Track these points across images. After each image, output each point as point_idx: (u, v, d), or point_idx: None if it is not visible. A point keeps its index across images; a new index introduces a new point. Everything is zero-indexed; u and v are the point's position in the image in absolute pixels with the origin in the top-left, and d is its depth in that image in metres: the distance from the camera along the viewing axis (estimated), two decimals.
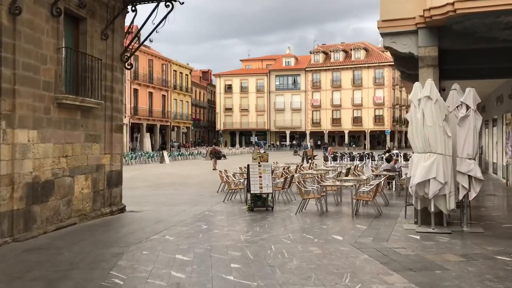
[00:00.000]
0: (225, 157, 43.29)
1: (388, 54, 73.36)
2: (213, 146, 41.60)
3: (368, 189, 12.15)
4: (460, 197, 9.80)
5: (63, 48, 10.11)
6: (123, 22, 12.96)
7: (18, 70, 8.68)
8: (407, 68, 13.40)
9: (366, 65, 71.08)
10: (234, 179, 15.87)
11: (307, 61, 76.33)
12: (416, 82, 10.16)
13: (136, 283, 6.15)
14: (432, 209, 9.65)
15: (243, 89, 77.78)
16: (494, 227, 10.02)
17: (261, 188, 12.82)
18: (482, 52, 11.42)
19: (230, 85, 78.48)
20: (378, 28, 10.78)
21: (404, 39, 10.59)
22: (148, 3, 11.89)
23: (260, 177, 12.89)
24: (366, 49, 73.47)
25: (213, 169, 28.70)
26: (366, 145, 69.43)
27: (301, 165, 22.16)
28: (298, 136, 75.25)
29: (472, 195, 9.73)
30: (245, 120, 77.33)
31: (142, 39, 13.65)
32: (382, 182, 13.24)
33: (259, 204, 12.83)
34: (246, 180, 14.54)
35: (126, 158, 37.28)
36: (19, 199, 8.71)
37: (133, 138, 53.74)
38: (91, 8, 11.22)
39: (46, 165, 9.57)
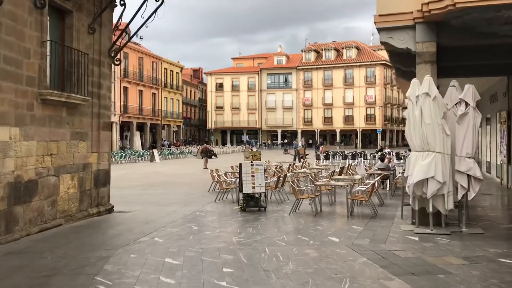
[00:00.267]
0: (216, 156, 42.90)
1: (380, 53, 73.44)
2: (205, 144, 41.14)
3: (364, 188, 11.85)
4: (459, 197, 9.53)
5: (48, 42, 9.67)
6: (111, 16, 12.54)
7: None
8: (403, 64, 13.12)
9: (358, 64, 70.99)
10: (226, 178, 15.51)
11: (298, 59, 76.08)
12: (414, 79, 9.87)
13: None
14: (431, 210, 9.37)
15: (234, 88, 77.34)
16: (493, 228, 9.76)
17: (253, 187, 12.48)
18: (480, 48, 11.19)
19: (221, 83, 78.01)
20: (375, 22, 10.47)
21: (401, 34, 10.29)
22: None
23: (253, 176, 12.54)
24: (357, 48, 73.37)
25: (204, 168, 28.33)
26: (358, 144, 69.34)
27: (294, 164, 21.84)
28: (289, 135, 75.02)
29: (471, 195, 9.47)
30: (236, 118, 76.94)
31: (131, 34, 13.20)
32: (378, 182, 12.94)
33: (252, 204, 12.49)
34: (238, 179, 14.21)
35: (116, 157, 36.77)
36: (0, 200, 8.27)
37: (123, 136, 53.07)
38: (77, 0, 10.79)
39: (29, 164, 9.13)
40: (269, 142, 74.35)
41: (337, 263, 6.85)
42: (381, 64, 70.19)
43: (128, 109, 52.26)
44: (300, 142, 62.73)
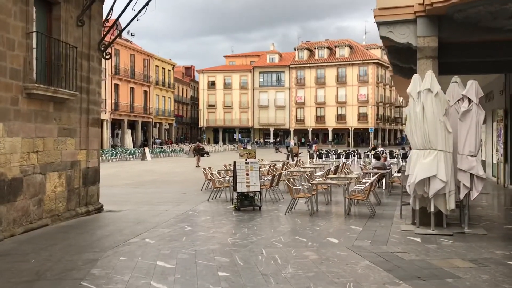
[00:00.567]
0: (208, 154, 42.48)
1: (372, 51, 73.43)
2: (197, 142, 40.68)
3: (362, 187, 11.52)
4: (461, 197, 9.22)
5: (34, 33, 9.21)
6: (101, 8, 12.08)
7: None
8: (402, 60, 12.80)
9: (351, 62, 70.82)
10: (219, 176, 15.12)
11: (291, 58, 75.75)
12: (415, 75, 9.55)
13: None
14: (432, 210, 9.06)
15: (227, 86, 76.86)
16: (496, 228, 9.48)
17: (248, 186, 12.12)
18: (482, 44, 10.90)
19: (214, 81, 77.49)
20: (375, 16, 10.14)
21: (402, 28, 9.97)
22: None
23: (247, 175, 12.18)
24: (350, 47, 73.21)
25: (196, 167, 27.91)
26: (350, 143, 69.19)
27: (288, 162, 21.50)
28: (282, 134, 74.72)
29: (474, 194, 9.15)
30: (228, 117, 76.48)
31: (122, 28, 12.75)
32: (376, 181, 12.62)
33: (246, 203, 12.12)
34: (231, 178, 13.83)
35: (106, 155, 36.25)
36: None
37: (114, 134, 52.44)
38: None
39: (14, 161, 8.68)
40: (262, 140, 73.97)
41: (338, 267, 6.50)
42: (373, 63, 70.10)
43: (119, 106, 51.64)
44: (292, 140, 62.42)
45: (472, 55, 11.60)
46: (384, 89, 74.38)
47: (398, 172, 17.78)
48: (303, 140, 70.23)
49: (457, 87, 9.55)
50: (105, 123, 48.61)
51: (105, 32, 12.19)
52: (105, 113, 48.26)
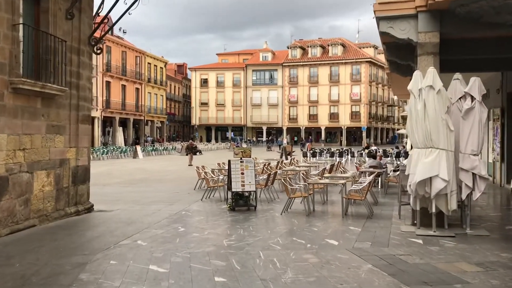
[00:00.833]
0: (201, 152, 42.09)
1: (365, 50, 73.35)
2: (190, 141, 40.25)
3: (360, 187, 11.25)
4: (463, 197, 8.98)
5: (20, 25, 8.82)
6: (91, 1, 11.69)
7: None
8: (400, 57, 12.55)
9: (344, 61, 70.68)
10: (213, 175, 14.78)
11: (284, 56, 75.47)
12: (416, 71, 9.29)
13: None
14: (433, 210, 8.81)
15: (219, 84, 76.41)
16: (498, 229, 9.25)
17: (243, 185, 11.79)
18: (484, 41, 10.65)
19: (206, 79, 77.00)
20: (374, 11, 9.85)
21: (403, 23, 9.68)
22: None
23: (242, 173, 11.85)
24: (343, 45, 73.09)
25: (189, 165, 27.55)
26: (343, 142, 69.08)
27: (282, 161, 21.19)
28: (275, 132, 74.44)
29: (476, 194, 8.92)
30: (221, 115, 76.06)
31: (113, 22, 12.35)
32: (373, 180, 12.35)
33: (241, 203, 11.81)
34: (225, 176, 13.51)
35: (97, 153, 35.76)
36: None
37: (105, 132, 51.84)
38: None
39: None
40: (254, 139, 73.64)
41: (340, 271, 6.20)
42: (366, 61, 70.04)
43: (111, 104, 51.06)
44: (285, 139, 62.17)
45: (472, 52, 11.35)
46: (377, 88, 74.38)
47: (394, 171, 17.58)
48: (296, 138, 69.98)
49: (459, 84, 9.29)
50: (96, 120, 48.05)
51: (95, 26, 11.80)
52: (96, 110, 47.70)
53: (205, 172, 14.96)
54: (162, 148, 46.57)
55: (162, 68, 65.63)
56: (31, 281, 5.75)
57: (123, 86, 54.40)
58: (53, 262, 6.61)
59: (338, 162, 20.77)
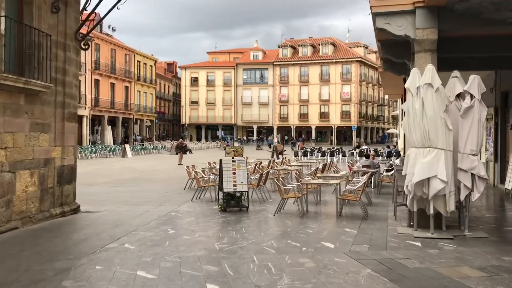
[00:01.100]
0: (191, 151, 41.70)
1: (356, 50, 73.33)
2: (180, 140, 39.82)
3: (354, 187, 10.98)
4: (462, 198, 8.74)
5: (2, 18, 8.40)
6: None
7: None
8: (395, 55, 12.30)
9: (334, 60, 70.58)
10: (203, 175, 14.43)
11: (275, 55, 75.19)
12: (414, 68, 9.04)
13: None
14: (431, 211, 8.56)
15: (210, 82, 75.91)
16: (497, 231, 9.05)
17: (235, 186, 11.47)
18: (482, 38, 10.46)
19: (196, 78, 76.43)
20: (371, 7, 9.58)
21: (400, 20, 9.41)
22: None
23: (234, 173, 11.53)
24: (334, 45, 73.02)
25: (179, 164, 27.16)
26: (333, 141, 68.99)
27: (273, 160, 20.91)
28: (265, 131, 74.14)
29: (475, 195, 8.68)
30: (211, 114, 75.56)
31: (101, 16, 11.94)
32: (367, 180, 12.10)
33: (233, 203, 11.49)
34: (217, 176, 13.19)
35: (86, 152, 35.21)
36: None
37: (94, 130, 51.15)
38: None
39: None
40: (245, 138, 73.27)
41: (339, 276, 5.91)
42: (357, 61, 70.02)
43: (100, 102, 50.38)
44: (275, 138, 61.90)
45: (469, 50, 11.18)
46: (367, 88, 74.43)
47: (387, 171, 17.37)
48: (286, 137, 69.72)
49: (457, 82, 9.05)
50: (84, 119, 47.40)
51: (82, 21, 11.40)
52: (85, 109, 47.06)
53: (196, 172, 14.62)
54: (152, 147, 46.05)
55: (152, 66, 64.99)
56: None
57: (112, 84, 53.74)
58: (35, 268, 6.24)
59: (330, 161, 20.52)
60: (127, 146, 39.06)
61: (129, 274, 5.98)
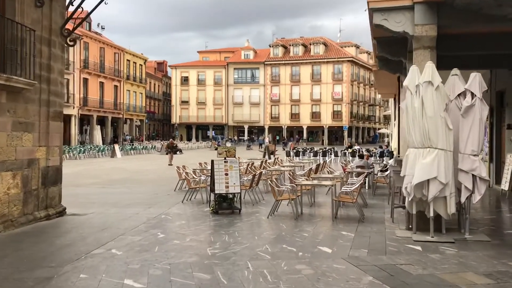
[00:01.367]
0: (181, 151, 41.22)
1: (347, 49, 73.24)
2: (170, 139, 39.31)
3: (351, 189, 10.66)
4: (463, 200, 8.47)
5: None
6: None
7: None
8: (391, 53, 12.04)
9: (325, 60, 70.44)
10: (194, 176, 14.04)
11: (266, 54, 74.86)
12: (413, 65, 8.75)
13: None
14: (431, 214, 8.27)
15: (200, 82, 75.36)
16: (497, 234, 8.79)
17: (227, 187, 11.11)
18: (482, 36, 10.21)
19: (187, 77, 75.82)
20: (368, 2, 9.25)
21: (398, 15, 9.11)
22: None
23: (226, 174, 11.17)
24: (325, 44, 72.87)
25: (169, 165, 26.72)
26: (325, 141, 68.83)
27: (266, 160, 20.56)
28: (256, 131, 73.76)
29: (477, 197, 8.41)
30: (202, 113, 75.01)
31: (90, 13, 11.50)
32: (363, 181, 11.80)
33: (225, 205, 11.12)
34: (208, 177, 12.81)
35: (74, 152, 34.61)
36: None
37: (83, 130, 50.42)
38: None
39: None
40: (236, 138, 72.83)
41: (339, 284, 5.58)
42: (348, 60, 69.92)
43: (88, 101, 49.67)
44: (267, 138, 61.58)
45: (467, 48, 10.93)
46: (358, 87, 74.41)
47: (381, 171, 17.12)
48: (277, 137, 69.44)
49: (458, 80, 8.78)
50: (73, 118, 46.71)
51: (68, 16, 10.96)
52: (73, 108, 46.37)
53: (186, 173, 14.22)
54: (141, 147, 45.48)
55: (141, 65, 64.32)
56: None
57: (101, 83, 53.04)
58: (15, 276, 5.83)
59: (324, 161, 20.22)
60: (117, 146, 38.49)
61: (116, 283, 5.59)
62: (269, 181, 11.27)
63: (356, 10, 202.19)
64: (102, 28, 56.37)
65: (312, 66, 71.13)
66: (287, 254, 7.06)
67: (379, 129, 77.41)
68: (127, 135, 58.64)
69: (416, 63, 8.97)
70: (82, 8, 10.75)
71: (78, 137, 48.00)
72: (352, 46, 75.35)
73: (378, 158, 28.23)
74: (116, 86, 56.22)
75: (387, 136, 57.63)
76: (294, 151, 33.94)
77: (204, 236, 8.56)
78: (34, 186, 9.83)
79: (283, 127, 71.93)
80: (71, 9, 11.02)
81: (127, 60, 59.49)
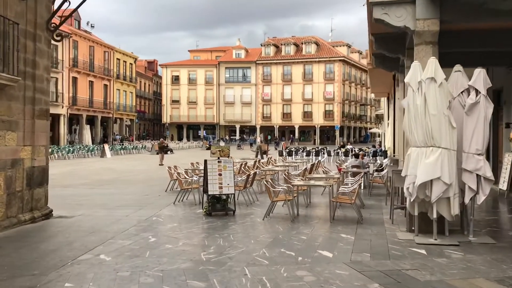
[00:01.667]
0: (172, 151, 40.75)
1: (338, 49, 73.09)
2: (161, 139, 38.78)
3: (349, 189, 10.32)
4: (466, 201, 8.16)
5: None
6: None
7: None
8: (389, 50, 11.73)
9: (317, 59, 70.23)
10: (186, 176, 13.62)
11: (257, 53, 74.48)
12: (415, 61, 8.42)
13: None
14: (434, 216, 7.95)
15: (191, 81, 74.77)
16: (502, 236, 8.48)
17: (221, 188, 10.72)
18: (484, 32, 9.93)
19: (178, 76, 75.15)
20: None
21: (399, 10, 8.77)
22: None
23: (220, 175, 10.78)
24: (317, 43, 72.67)
25: (160, 165, 26.25)
26: (316, 140, 68.62)
27: (259, 160, 20.19)
28: (248, 131, 73.33)
29: (481, 198, 8.09)
30: (193, 113, 74.40)
31: (78, 6, 11.03)
32: (360, 181, 11.47)
33: (218, 207, 10.73)
34: (200, 177, 12.41)
35: (63, 152, 33.99)
36: None
37: (72, 130, 49.67)
38: None
39: None
40: (227, 137, 72.36)
41: None
42: (340, 60, 69.78)
43: (78, 101, 48.96)
44: (258, 138, 61.21)
45: (468, 44, 10.64)
46: (350, 87, 74.30)
47: (377, 171, 16.83)
48: (269, 137, 69.10)
49: (461, 76, 8.47)
50: (62, 118, 46.01)
51: (55, 9, 10.50)
52: (62, 107, 45.67)
53: (178, 173, 13.79)
54: (132, 147, 44.88)
55: (131, 64, 63.63)
56: None
57: (91, 82, 52.32)
58: None
59: (318, 161, 19.89)
60: (106, 146, 37.89)
61: None
62: (265, 182, 10.89)
63: (347, 11, 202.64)
64: (92, 26, 55.70)
65: (303, 65, 70.89)
66: (286, 259, 6.69)
67: (370, 128, 77.41)
68: (117, 134, 57.94)
69: (418, 59, 8.63)
70: (69, 2, 10.31)
71: (67, 136, 47.28)
72: (343, 45, 75.23)
73: (371, 157, 27.98)
74: (106, 85, 55.51)
75: (379, 136, 57.52)
76: (287, 150, 33.61)
77: (198, 240, 8.16)
78: (19, 187, 9.37)
79: (274, 126, 71.62)
80: (58, 3, 10.58)
81: (117, 59, 58.79)
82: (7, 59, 8.62)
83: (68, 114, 47.65)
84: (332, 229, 9.01)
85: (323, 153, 32.92)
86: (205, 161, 11.04)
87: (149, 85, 77.56)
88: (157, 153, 30.50)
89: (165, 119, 75.40)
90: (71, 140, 47.59)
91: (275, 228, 9.08)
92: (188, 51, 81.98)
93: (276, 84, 71.68)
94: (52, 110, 42.18)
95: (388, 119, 27.01)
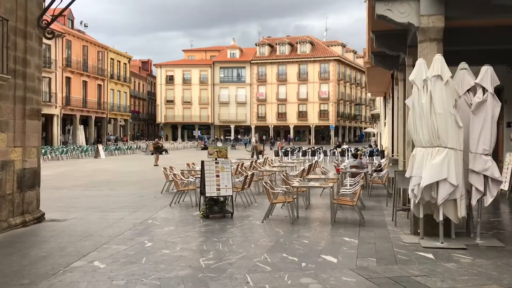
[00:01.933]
0: (167, 152, 40.37)
1: (333, 49, 72.93)
2: (156, 139, 38.40)
3: (350, 191, 10.04)
4: (473, 202, 7.91)
5: None
6: None
7: None
8: (390, 47, 11.48)
9: (312, 59, 70.02)
10: (182, 177, 13.30)
11: (252, 53, 74.18)
12: (420, 59, 8.15)
13: None
14: (441, 218, 7.70)
15: (186, 81, 74.34)
16: (510, 239, 8.24)
17: (218, 190, 10.42)
18: (488, 29, 9.69)
19: (172, 76, 74.70)
20: None
21: (402, 5, 8.50)
22: None
23: (218, 176, 10.48)
24: (311, 43, 72.47)
25: (155, 165, 25.90)
26: (311, 140, 68.40)
27: (255, 160, 19.90)
28: (243, 131, 73.00)
29: (489, 199, 7.84)
30: (187, 113, 73.97)
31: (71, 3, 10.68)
32: (362, 182, 11.20)
33: (216, 209, 10.42)
34: (197, 179, 12.10)
35: (56, 152, 33.54)
36: None
37: (65, 130, 49.13)
38: None
39: None
40: (222, 137, 72.00)
41: None
42: (334, 60, 69.62)
43: (71, 101, 48.42)
44: (253, 138, 60.90)
45: (471, 42, 10.40)
46: (345, 87, 74.18)
47: (376, 171, 16.58)
48: (264, 137, 68.81)
49: (467, 74, 8.21)
50: (55, 118, 45.49)
51: (46, 6, 10.15)
52: (56, 107, 45.14)
53: (174, 174, 13.47)
54: (126, 147, 44.43)
55: (126, 64, 63.09)
56: None
57: (84, 82, 51.79)
58: None
59: (315, 162, 19.62)
60: (100, 147, 37.45)
61: None
62: (264, 183, 10.60)
63: (340, 11, 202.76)
64: (85, 26, 55.15)
65: (298, 65, 70.67)
66: (289, 265, 6.39)
67: (365, 128, 77.37)
68: (111, 135, 57.44)
69: (422, 57, 8.37)
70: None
71: (61, 137, 46.75)
72: (338, 45, 75.08)
73: (368, 157, 27.76)
74: (99, 85, 54.99)
75: (373, 135, 57.38)
76: (283, 150, 33.33)
77: (196, 244, 7.85)
78: (9, 190, 9.02)
79: (269, 126, 71.34)
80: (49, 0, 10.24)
81: (111, 58, 58.28)
82: None
83: (62, 115, 47.13)
84: (334, 232, 8.73)
85: (319, 153, 32.68)
86: (202, 162, 10.73)
87: (143, 85, 77.04)
88: (152, 154, 30.12)
89: (160, 119, 74.94)
90: (64, 141, 47.07)
91: (275, 231, 8.79)
92: (183, 51, 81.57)
93: (271, 84, 71.41)
94: (45, 111, 41.87)
95: (385, 119, 26.79)
